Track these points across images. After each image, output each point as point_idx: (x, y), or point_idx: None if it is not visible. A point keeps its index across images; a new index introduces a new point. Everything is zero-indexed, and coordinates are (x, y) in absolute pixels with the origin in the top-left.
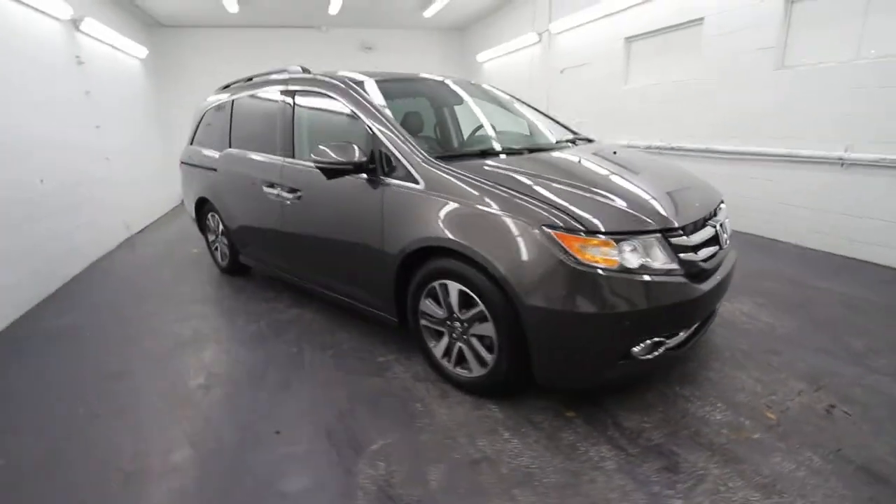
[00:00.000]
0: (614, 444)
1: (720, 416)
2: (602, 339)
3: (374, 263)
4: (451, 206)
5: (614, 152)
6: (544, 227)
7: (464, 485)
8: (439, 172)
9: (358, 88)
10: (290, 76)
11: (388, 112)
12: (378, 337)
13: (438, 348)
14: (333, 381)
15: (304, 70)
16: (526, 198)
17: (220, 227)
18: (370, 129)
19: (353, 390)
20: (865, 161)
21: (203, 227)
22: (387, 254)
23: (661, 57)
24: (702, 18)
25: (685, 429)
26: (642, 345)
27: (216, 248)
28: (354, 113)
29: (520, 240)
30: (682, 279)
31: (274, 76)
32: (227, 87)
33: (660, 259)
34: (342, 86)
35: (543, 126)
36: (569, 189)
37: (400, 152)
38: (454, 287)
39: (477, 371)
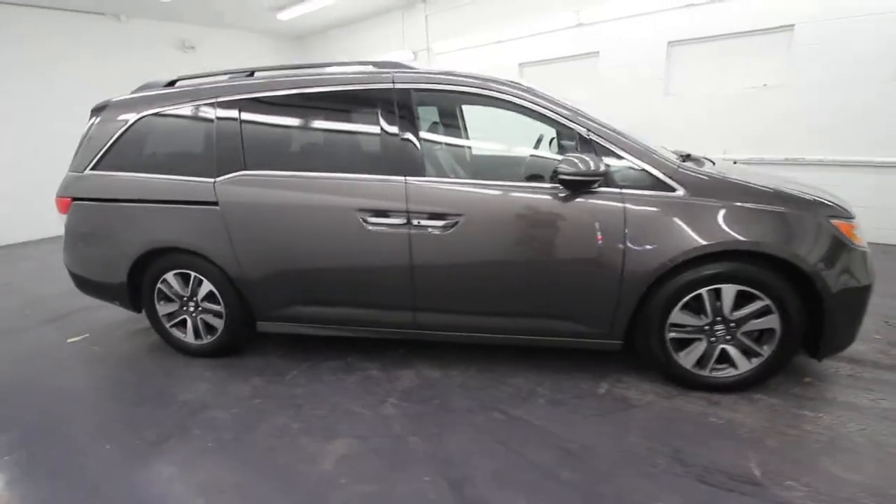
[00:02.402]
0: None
1: None
2: (866, 305)
3: (599, 286)
4: (733, 208)
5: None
6: (830, 218)
7: None
8: (704, 177)
9: (534, 90)
10: (402, 72)
11: (598, 116)
12: (550, 369)
13: (689, 357)
14: (604, 429)
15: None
16: (803, 193)
17: (216, 286)
18: (585, 134)
19: (636, 428)
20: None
21: (149, 296)
22: (630, 271)
23: (561, 83)
24: (597, 52)
25: None
26: None
27: (182, 323)
28: (550, 117)
29: (814, 232)
30: None
31: (352, 71)
32: (192, 85)
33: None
34: (511, 87)
35: None
36: (798, 185)
37: (642, 158)
38: (729, 289)
39: (744, 367)
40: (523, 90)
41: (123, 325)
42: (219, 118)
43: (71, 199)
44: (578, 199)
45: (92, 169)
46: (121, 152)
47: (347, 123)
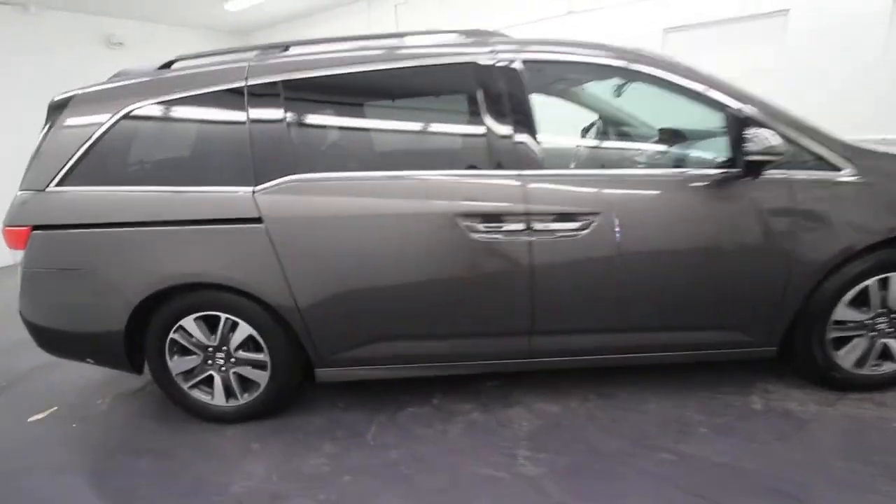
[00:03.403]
0: None
1: None
2: None
3: (762, 285)
4: None
5: None
6: None
7: None
8: (875, 155)
9: (671, 58)
10: (507, 41)
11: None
12: (680, 388)
13: (849, 356)
14: (795, 456)
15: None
16: None
17: (258, 329)
18: (737, 113)
19: (827, 449)
20: None
21: (156, 351)
22: (799, 266)
23: None
24: None
25: None
26: None
27: (206, 381)
28: (699, 93)
29: None
30: None
31: (436, 42)
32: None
33: None
34: (653, 59)
35: None
36: None
37: (807, 135)
38: None
39: None
40: (670, 62)
41: (102, 388)
42: (253, 107)
43: (30, 229)
44: (743, 186)
45: (59, 185)
46: (100, 161)
47: (435, 107)
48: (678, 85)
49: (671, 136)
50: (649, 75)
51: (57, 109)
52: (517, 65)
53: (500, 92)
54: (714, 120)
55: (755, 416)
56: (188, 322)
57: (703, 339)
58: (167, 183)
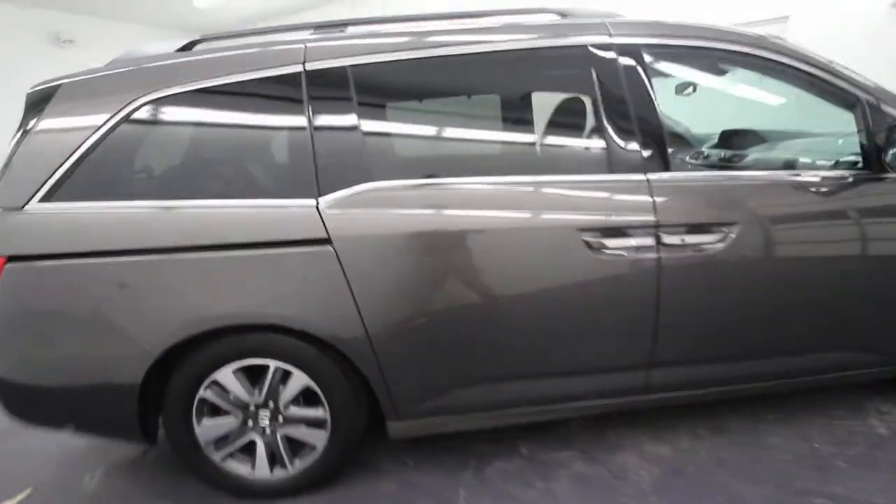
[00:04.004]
0: None
1: None
2: None
3: None
4: None
5: None
6: None
7: None
8: None
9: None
10: (623, 23)
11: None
12: (788, 415)
13: None
14: None
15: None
16: None
17: (318, 378)
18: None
19: None
20: None
21: (180, 413)
22: None
23: None
24: None
25: None
26: None
27: (246, 448)
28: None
29: None
30: None
31: (537, 22)
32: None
33: None
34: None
35: None
36: None
37: None
38: None
39: None
40: (808, 55)
41: (89, 459)
42: (314, 96)
43: (2, 260)
44: (887, 187)
45: (44, 200)
46: (103, 167)
47: (539, 99)
48: (821, 78)
49: (797, 136)
50: (790, 66)
51: (37, 104)
52: (638, 49)
53: (620, 81)
54: (836, 117)
55: (886, 443)
56: (225, 375)
57: (829, 362)
58: (194, 195)
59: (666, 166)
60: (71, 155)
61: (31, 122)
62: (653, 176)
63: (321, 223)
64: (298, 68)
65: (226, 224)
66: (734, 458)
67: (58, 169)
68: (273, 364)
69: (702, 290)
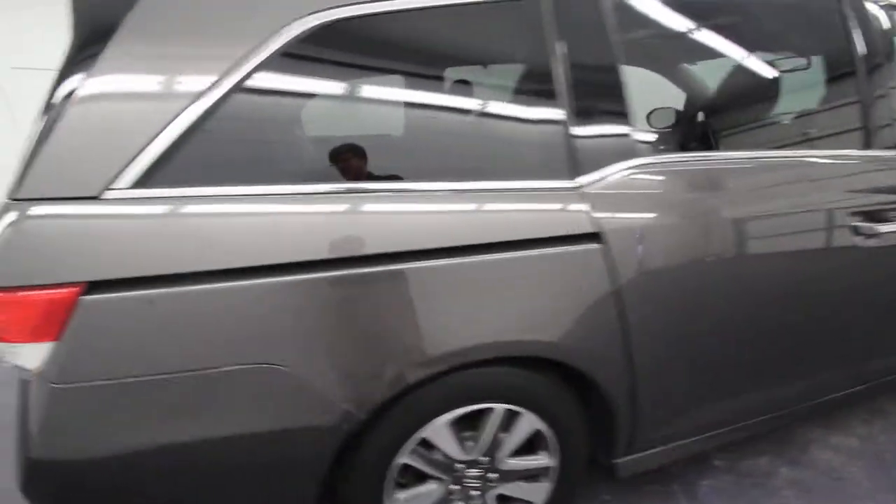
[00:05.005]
0: None
1: None
2: None
3: None
4: None
5: None
6: None
7: None
8: None
9: None
10: None
11: None
12: None
13: None
14: None
15: None
16: None
17: (551, 420)
18: None
19: None
20: None
21: (369, 488)
22: None
23: None
24: None
25: None
26: None
27: None
28: None
29: None
30: None
31: None
32: None
33: None
34: None
35: None
36: None
37: None
38: None
39: None
40: None
41: None
42: (562, 21)
43: (75, 293)
44: None
45: (140, 185)
46: (255, 130)
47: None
48: None
49: None
50: None
51: (102, 36)
52: None
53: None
54: None
55: None
56: (437, 429)
57: None
58: (411, 175)
59: None
60: (179, 114)
61: (93, 62)
62: None
63: (587, 214)
64: None
65: (467, 220)
66: None
67: (157, 137)
68: (500, 407)
69: None
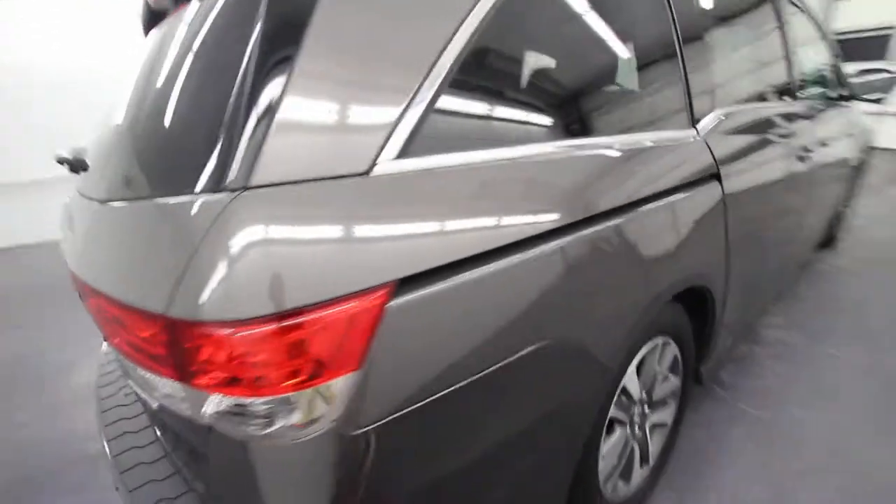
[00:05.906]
0: None
1: None
2: None
3: None
4: None
5: None
6: None
7: None
8: None
9: None
10: None
11: None
12: None
13: None
14: None
15: None
16: None
17: (685, 347)
18: None
19: None
20: None
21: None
22: None
23: None
24: None
25: None
26: None
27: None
28: None
29: None
30: None
31: None
32: None
33: None
34: None
35: None
36: None
37: None
38: None
39: None
40: None
41: None
42: None
43: (385, 294)
44: None
45: (401, 156)
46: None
47: None
48: None
49: None
50: None
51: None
52: None
53: None
54: None
55: None
56: (630, 373)
57: None
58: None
59: None
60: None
61: None
62: None
63: (711, 155)
64: None
65: (661, 166)
66: None
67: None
68: (660, 341)
69: None
